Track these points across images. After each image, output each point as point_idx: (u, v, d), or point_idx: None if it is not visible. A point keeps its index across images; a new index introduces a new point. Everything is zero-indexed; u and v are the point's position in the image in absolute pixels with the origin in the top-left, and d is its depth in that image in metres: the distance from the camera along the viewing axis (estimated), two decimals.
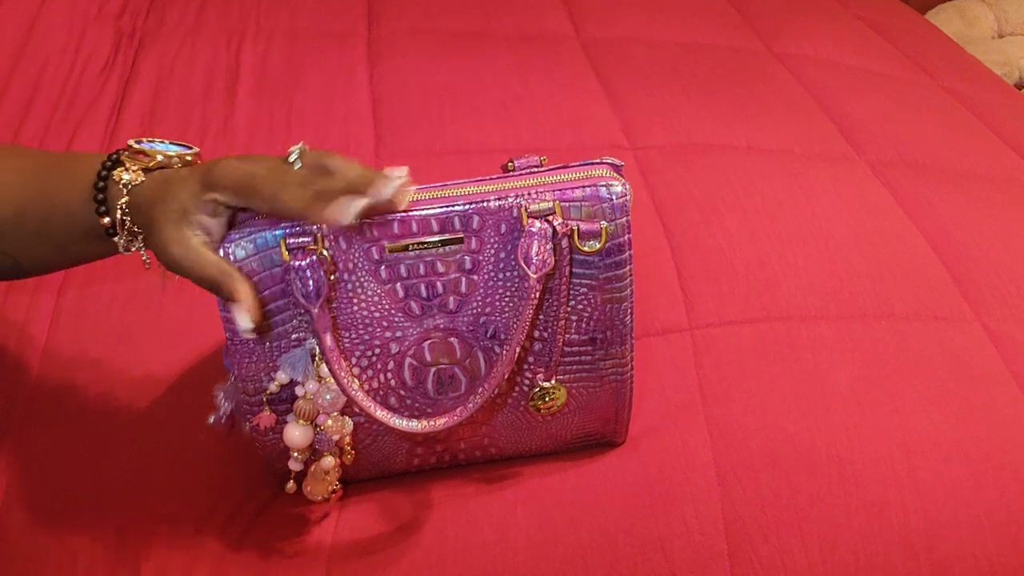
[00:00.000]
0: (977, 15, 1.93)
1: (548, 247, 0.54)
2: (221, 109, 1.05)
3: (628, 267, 0.57)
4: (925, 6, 1.98)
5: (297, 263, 0.52)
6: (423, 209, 0.54)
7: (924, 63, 1.34)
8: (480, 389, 0.57)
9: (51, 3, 1.11)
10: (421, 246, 0.55)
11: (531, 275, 0.54)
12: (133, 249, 0.55)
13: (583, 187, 0.55)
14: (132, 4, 1.21)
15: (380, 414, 0.56)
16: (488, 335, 0.59)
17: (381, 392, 0.60)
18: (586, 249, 0.55)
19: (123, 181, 0.53)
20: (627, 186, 0.56)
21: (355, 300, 0.56)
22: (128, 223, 0.54)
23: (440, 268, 0.56)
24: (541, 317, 0.58)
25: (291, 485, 0.61)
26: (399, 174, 0.51)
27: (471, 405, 0.57)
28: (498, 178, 0.56)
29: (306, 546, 0.63)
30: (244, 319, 0.52)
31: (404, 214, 0.54)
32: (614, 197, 0.55)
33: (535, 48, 1.21)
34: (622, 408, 0.65)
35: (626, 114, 1.08)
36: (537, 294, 0.55)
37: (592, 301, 0.58)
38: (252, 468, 0.67)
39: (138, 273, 0.81)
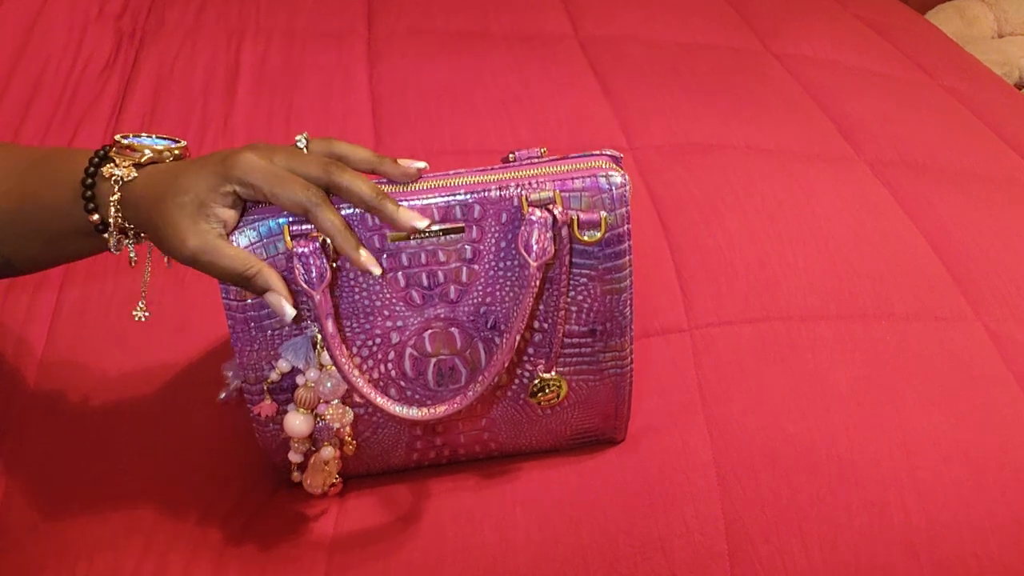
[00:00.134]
0: (977, 15, 1.93)
1: (548, 235, 0.54)
2: (221, 108, 1.05)
3: (627, 258, 0.58)
4: (925, 6, 1.99)
5: (300, 250, 0.52)
6: (424, 198, 0.55)
7: (924, 63, 1.34)
8: (480, 378, 0.57)
9: (52, 3, 1.11)
10: (423, 235, 0.55)
11: (531, 263, 0.54)
12: (124, 247, 0.55)
13: (583, 177, 0.55)
14: (133, 4, 1.21)
15: (380, 401, 0.56)
16: (488, 325, 0.59)
17: (382, 383, 0.60)
18: (586, 239, 0.55)
19: (114, 177, 0.53)
20: (626, 177, 0.56)
21: (356, 289, 0.57)
22: (120, 220, 0.53)
23: (441, 257, 0.56)
24: (541, 307, 0.59)
25: (295, 475, 0.61)
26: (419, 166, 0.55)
27: (471, 393, 0.57)
28: (499, 168, 0.56)
29: (307, 540, 0.63)
30: (286, 307, 0.52)
31: (405, 203, 0.54)
32: (614, 188, 0.55)
33: (534, 48, 1.21)
34: (622, 403, 0.65)
35: (625, 114, 1.08)
36: (537, 282, 0.55)
37: (592, 292, 0.58)
38: (252, 463, 0.67)
39: (138, 271, 0.81)
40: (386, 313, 0.58)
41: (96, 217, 0.54)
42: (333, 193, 0.53)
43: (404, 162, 0.55)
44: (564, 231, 0.55)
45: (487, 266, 0.57)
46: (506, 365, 0.57)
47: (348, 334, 0.58)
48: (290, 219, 0.53)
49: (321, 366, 0.57)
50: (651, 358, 0.76)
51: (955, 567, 0.63)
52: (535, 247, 0.54)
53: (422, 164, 0.55)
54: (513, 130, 1.04)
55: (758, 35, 1.33)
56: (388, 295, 0.57)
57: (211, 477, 0.67)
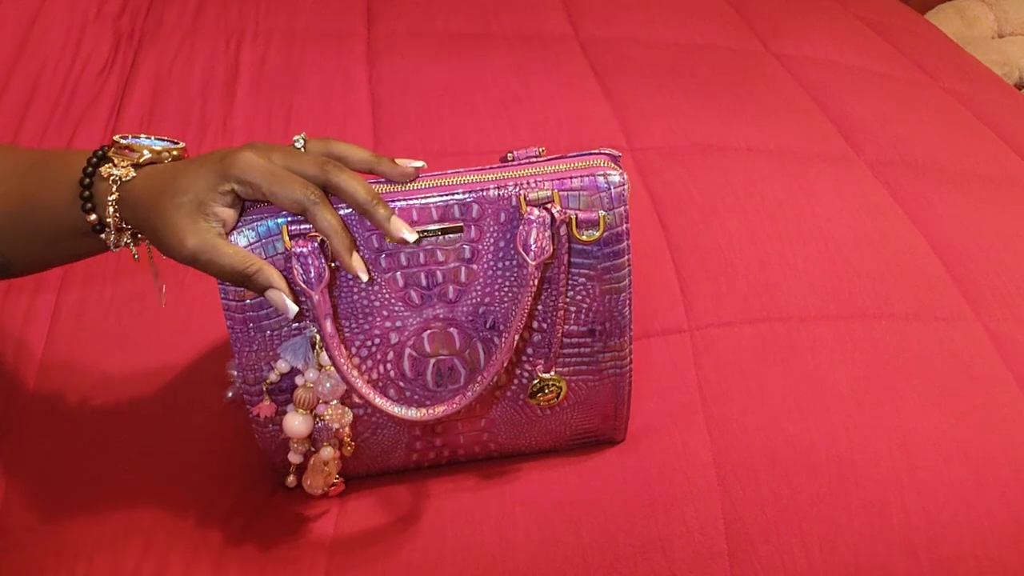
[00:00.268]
0: (977, 15, 1.93)
1: (547, 235, 0.54)
2: (220, 109, 1.05)
3: (626, 257, 0.58)
4: (925, 6, 1.98)
5: (299, 250, 0.52)
6: (423, 197, 0.55)
7: (924, 63, 1.34)
8: (479, 378, 0.57)
9: (50, 3, 1.11)
10: (421, 234, 0.55)
11: (530, 262, 0.54)
12: (122, 245, 0.55)
13: (581, 176, 0.55)
14: (131, 4, 1.21)
15: (379, 401, 0.56)
16: (487, 326, 0.59)
17: (380, 383, 0.60)
18: (584, 238, 0.55)
19: (112, 177, 0.53)
20: (625, 176, 0.56)
21: (355, 289, 0.57)
22: (117, 220, 0.53)
23: (440, 257, 0.56)
24: (540, 307, 0.59)
25: (291, 479, 0.61)
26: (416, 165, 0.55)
27: (470, 394, 0.57)
28: (497, 167, 0.56)
29: (306, 541, 0.63)
30: (288, 303, 0.52)
31: (404, 203, 0.54)
32: (612, 187, 0.55)
33: (534, 48, 1.21)
34: (621, 404, 0.65)
35: (625, 114, 1.08)
36: (536, 281, 0.55)
37: (591, 292, 0.58)
38: (252, 463, 0.67)
39: (137, 273, 0.81)
40: (385, 313, 0.58)
41: (94, 217, 0.54)
42: (330, 193, 0.53)
43: (402, 162, 0.55)
44: (563, 230, 0.55)
45: (486, 266, 0.57)
46: (505, 365, 0.57)
47: (347, 334, 0.58)
48: (289, 219, 0.53)
49: (320, 367, 0.57)
50: (651, 358, 0.76)
51: (955, 567, 0.63)
52: (533, 246, 0.54)
53: (420, 163, 0.55)
54: (513, 131, 1.04)
55: (758, 36, 1.33)
56: (387, 295, 0.57)
57: (211, 477, 0.67)
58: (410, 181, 0.55)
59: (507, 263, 0.57)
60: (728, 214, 0.91)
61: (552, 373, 0.61)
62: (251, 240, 0.53)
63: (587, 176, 0.55)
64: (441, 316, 0.58)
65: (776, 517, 0.64)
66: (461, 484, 0.66)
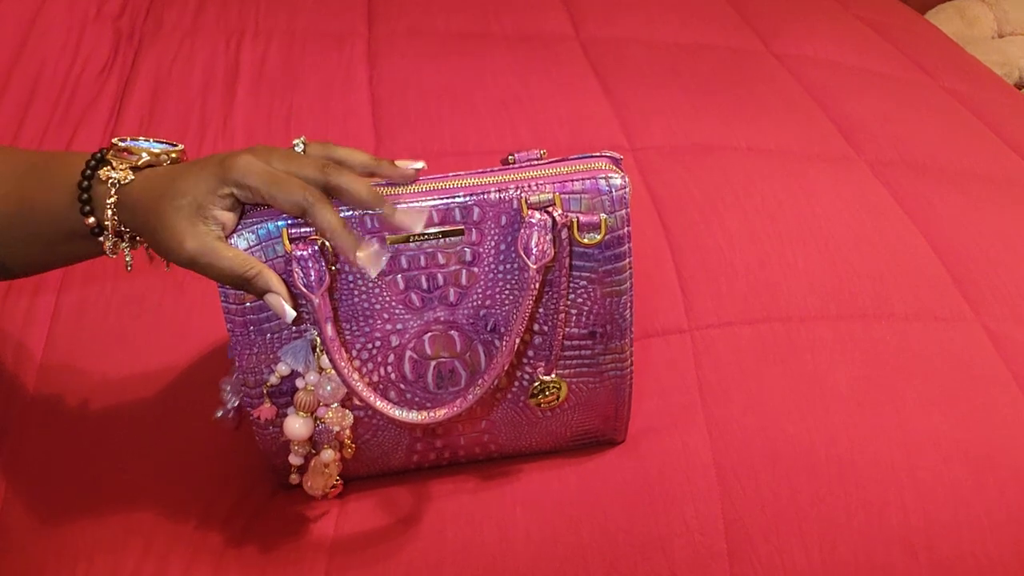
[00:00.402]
0: (977, 15, 1.93)
1: (548, 238, 0.54)
2: (220, 109, 1.05)
3: (627, 260, 0.58)
4: (925, 6, 1.98)
5: (299, 253, 0.52)
6: (424, 200, 0.54)
7: (924, 63, 1.34)
8: (480, 381, 0.57)
9: (50, 4, 1.11)
10: (422, 237, 0.55)
11: (531, 266, 0.54)
12: (120, 251, 0.55)
13: (583, 179, 0.55)
14: (131, 5, 1.21)
15: (380, 404, 0.56)
16: (488, 328, 0.59)
17: (381, 386, 0.60)
18: (585, 241, 0.55)
19: (110, 180, 0.53)
20: (626, 179, 0.56)
21: (356, 291, 0.56)
22: (116, 223, 0.53)
23: (441, 260, 0.56)
24: (541, 310, 0.59)
25: (294, 477, 0.61)
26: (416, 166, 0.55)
27: (471, 397, 0.57)
28: (498, 170, 0.56)
29: (307, 542, 0.63)
30: (286, 308, 0.52)
31: (405, 205, 0.54)
32: (613, 190, 0.55)
33: (534, 48, 1.21)
34: (622, 405, 0.65)
35: (625, 114, 1.08)
36: (537, 285, 0.55)
37: (592, 294, 0.58)
38: (252, 465, 0.67)
39: (137, 275, 0.81)
40: (385, 316, 0.58)
41: (92, 220, 0.53)
42: (331, 195, 0.53)
43: (402, 163, 0.55)
44: (564, 233, 0.55)
45: (487, 269, 0.57)
46: (506, 368, 0.57)
47: (347, 337, 0.58)
48: (289, 222, 0.53)
49: (321, 369, 0.57)
50: (651, 359, 0.76)
51: (954, 566, 0.63)
52: (535, 250, 0.54)
53: (420, 164, 0.55)
54: (513, 131, 1.04)
55: (759, 35, 1.33)
56: (387, 298, 0.57)
57: (211, 479, 0.67)
58: (411, 183, 0.55)
59: (508, 266, 0.57)
60: (728, 214, 0.91)
61: (553, 375, 0.61)
62: (251, 243, 0.53)
63: (588, 179, 0.55)
64: (442, 319, 0.58)
65: (776, 517, 0.64)
66: (461, 485, 0.66)
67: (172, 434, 0.70)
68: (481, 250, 0.56)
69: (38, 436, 0.70)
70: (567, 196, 0.55)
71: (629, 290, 0.59)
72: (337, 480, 0.63)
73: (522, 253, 0.54)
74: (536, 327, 0.59)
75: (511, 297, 0.58)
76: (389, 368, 0.59)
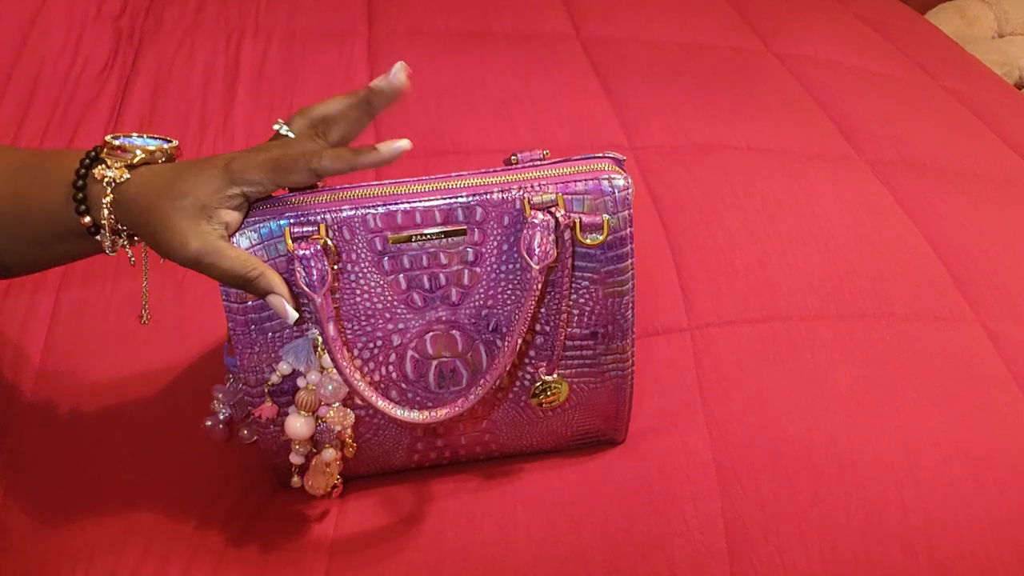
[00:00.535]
0: (977, 15, 1.93)
1: (551, 239, 0.54)
2: (220, 109, 1.05)
3: (630, 261, 0.58)
4: (925, 6, 1.98)
5: (301, 252, 0.52)
6: (426, 200, 0.54)
7: (924, 63, 1.34)
8: (482, 381, 0.57)
9: (50, 3, 1.11)
10: (424, 237, 0.55)
11: (533, 266, 0.54)
12: (119, 248, 0.55)
13: (585, 180, 0.55)
14: (131, 4, 1.21)
15: (381, 404, 0.56)
16: (490, 328, 0.59)
17: (383, 385, 0.60)
18: (588, 242, 0.55)
19: (106, 179, 0.52)
20: (629, 180, 0.56)
21: (358, 291, 0.56)
22: (112, 221, 0.53)
23: (443, 260, 0.56)
24: (543, 310, 0.59)
25: (295, 480, 0.61)
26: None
27: (472, 397, 0.57)
28: (501, 170, 0.56)
29: (307, 541, 0.63)
30: (288, 309, 0.53)
31: (407, 205, 0.54)
32: (616, 190, 0.55)
33: (535, 48, 1.21)
34: (623, 405, 0.65)
35: (626, 114, 1.08)
36: (539, 286, 0.55)
37: (594, 295, 0.58)
38: (252, 464, 0.67)
39: (137, 274, 0.81)
40: (387, 316, 0.58)
41: (88, 219, 0.53)
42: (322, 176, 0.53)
43: (383, 146, 0.52)
44: (566, 234, 0.55)
45: (489, 269, 0.57)
46: (508, 368, 0.57)
47: (349, 336, 0.58)
48: (291, 220, 0.53)
49: (322, 369, 0.57)
50: (652, 358, 0.76)
51: (954, 566, 0.63)
52: (537, 250, 0.54)
53: (404, 143, 0.53)
54: (514, 130, 1.04)
55: (759, 35, 1.33)
56: (389, 297, 0.57)
57: (211, 478, 0.67)
58: (396, 158, 0.53)
59: (510, 266, 0.57)
60: (728, 213, 0.91)
61: (555, 375, 0.61)
62: (253, 242, 0.53)
63: (591, 180, 0.55)
64: (444, 318, 0.58)
65: (776, 516, 0.64)
66: (462, 484, 0.66)
67: (172, 434, 0.70)
68: (483, 250, 0.56)
69: (38, 436, 0.70)
70: (570, 197, 0.55)
71: (631, 291, 0.59)
72: (338, 479, 0.63)
73: (525, 254, 0.54)
74: (538, 327, 0.59)
75: (513, 297, 0.58)
76: (390, 367, 0.59)
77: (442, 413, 0.57)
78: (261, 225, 0.53)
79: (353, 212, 0.54)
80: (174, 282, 0.80)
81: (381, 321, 0.58)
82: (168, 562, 0.61)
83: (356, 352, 0.58)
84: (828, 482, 0.66)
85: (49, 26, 1.09)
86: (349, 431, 0.60)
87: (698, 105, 1.11)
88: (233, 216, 0.52)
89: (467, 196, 0.55)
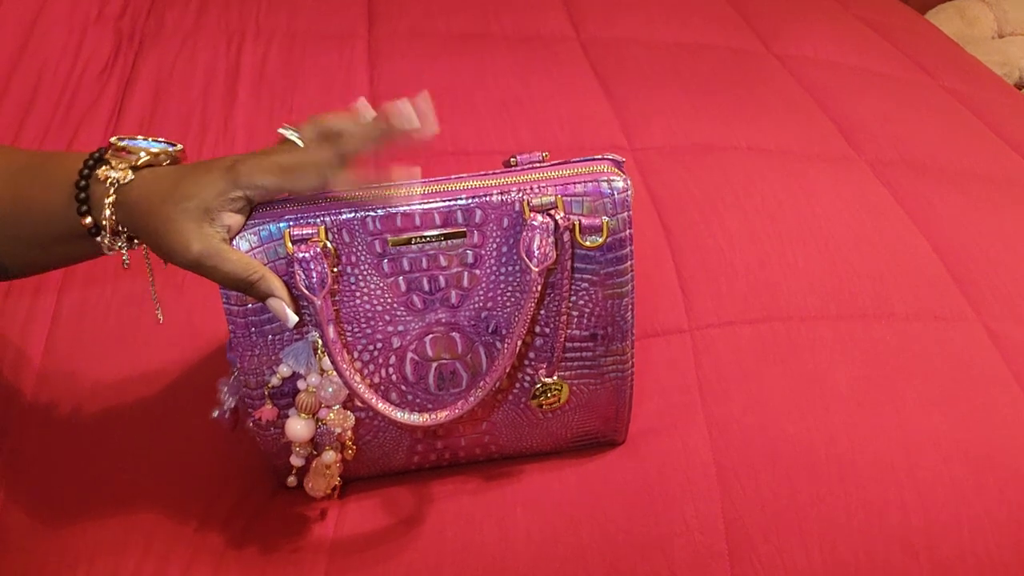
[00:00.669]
0: (977, 15, 1.93)
1: (550, 241, 0.54)
2: (221, 110, 1.05)
3: (629, 262, 0.58)
4: (925, 6, 1.98)
5: (301, 255, 0.52)
6: (426, 202, 0.55)
7: (924, 63, 1.34)
8: (481, 383, 0.57)
9: (51, 5, 1.11)
10: (424, 239, 0.55)
11: (533, 268, 0.54)
12: (116, 248, 0.55)
13: (585, 182, 0.55)
14: (132, 6, 1.21)
15: (381, 406, 0.56)
16: (490, 330, 0.59)
17: (382, 387, 0.60)
18: (587, 244, 0.55)
19: (109, 180, 0.52)
20: (628, 181, 0.56)
21: (357, 293, 0.57)
22: (114, 223, 0.53)
23: (442, 262, 0.56)
24: (543, 312, 0.59)
25: (292, 479, 0.61)
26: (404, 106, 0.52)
27: (472, 399, 0.57)
28: (500, 172, 0.56)
29: (306, 543, 0.63)
30: (289, 313, 0.53)
31: (406, 208, 0.54)
32: (615, 192, 0.55)
33: (535, 49, 1.21)
34: (622, 406, 0.65)
35: (626, 114, 1.08)
36: (539, 288, 0.55)
37: (593, 297, 0.58)
38: (252, 465, 0.67)
39: (137, 275, 0.81)
40: (387, 318, 0.58)
41: (89, 220, 0.53)
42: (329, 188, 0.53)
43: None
44: (566, 236, 0.55)
45: (488, 271, 0.57)
46: (507, 370, 0.57)
47: (349, 339, 0.58)
48: (291, 223, 0.53)
49: (322, 371, 0.57)
50: (651, 358, 0.76)
51: (954, 566, 0.63)
52: (537, 252, 0.54)
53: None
54: (514, 131, 1.04)
55: (759, 36, 1.33)
56: (389, 300, 0.57)
57: (211, 479, 0.67)
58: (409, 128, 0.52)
59: (510, 268, 0.57)
60: (728, 214, 0.91)
61: (554, 377, 0.61)
62: (253, 244, 0.53)
63: (591, 182, 0.55)
64: (443, 320, 0.58)
65: (776, 517, 0.64)
66: (462, 486, 0.66)
67: (172, 434, 0.70)
68: (483, 252, 0.56)
69: (38, 436, 0.70)
70: (569, 199, 0.55)
71: (631, 292, 0.59)
72: (338, 481, 0.63)
73: (524, 256, 0.54)
74: (538, 329, 0.59)
75: (513, 299, 0.58)
76: (390, 370, 0.59)
77: (442, 415, 0.57)
78: (261, 228, 0.53)
79: (352, 215, 0.54)
80: (174, 284, 0.80)
81: (381, 323, 0.58)
82: (168, 563, 0.61)
83: (356, 354, 0.59)
84: (828, 482, 0.66)
85: (50, 27, 1.10)
86: (349, 433, 0.60)
87: (698, 105, 1.11)
88: (235, 219, 0.52)
89: (466, 198, 0.55)
